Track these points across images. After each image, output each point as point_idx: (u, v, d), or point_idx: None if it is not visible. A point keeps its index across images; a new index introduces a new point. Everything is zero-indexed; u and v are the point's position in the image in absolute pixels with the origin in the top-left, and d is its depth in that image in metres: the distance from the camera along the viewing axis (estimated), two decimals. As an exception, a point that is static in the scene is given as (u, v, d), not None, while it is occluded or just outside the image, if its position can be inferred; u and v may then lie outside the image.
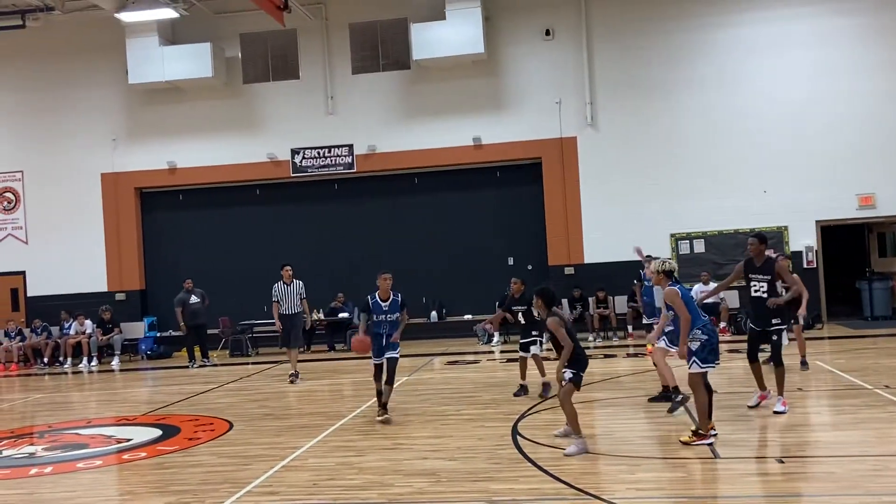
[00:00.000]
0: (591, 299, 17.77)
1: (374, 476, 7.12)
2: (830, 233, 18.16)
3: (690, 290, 9.48)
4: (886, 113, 17.46)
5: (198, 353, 16.71)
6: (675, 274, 8.07)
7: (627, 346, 16.10)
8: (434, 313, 19.20)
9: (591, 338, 17.18)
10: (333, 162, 19.44)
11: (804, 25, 17.92)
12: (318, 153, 19.46)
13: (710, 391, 7.74)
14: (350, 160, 19.36)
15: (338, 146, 19.39)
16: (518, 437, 8.23)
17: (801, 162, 17.63)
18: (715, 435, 7.53)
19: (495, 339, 17.30)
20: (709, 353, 7.66)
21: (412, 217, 19.54)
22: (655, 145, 18.22)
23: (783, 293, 8.98)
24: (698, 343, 7.63)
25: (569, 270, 18.50)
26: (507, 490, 6.43)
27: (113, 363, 17.84)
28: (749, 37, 18.05)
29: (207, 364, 16.49)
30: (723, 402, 9.72)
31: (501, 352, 16.25)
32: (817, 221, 17.78)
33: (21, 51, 19.82)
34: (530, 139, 18.65)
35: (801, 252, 17.84)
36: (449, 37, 18.04)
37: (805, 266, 17.73)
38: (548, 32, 18.74)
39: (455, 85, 18.96)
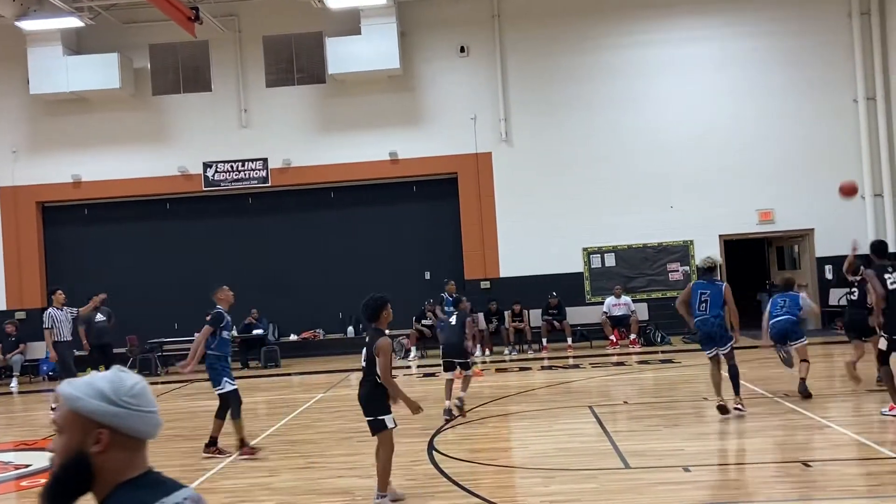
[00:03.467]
0: (506, 313, 17.96)
1: (287, 497, 7.02)
2: (733, 247, 18.89)
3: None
4: (784, 132, 18.30)
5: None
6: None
7: (542, 358, 16.33)
8: (350, 328, 19.05)
9: (506, 351, 17.36)
10: (247, 176, 19.13)
11: (707, 48, 18.64)
12: (232, 167, 19.13)
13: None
14: (264, 174, 19.09)
15: (252, 160, 19.10)
16: (434, 452, 8.24)
17: (705, 179, 18.29)
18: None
19: (412, 353, 17.29)
20: None
21: (329, 231, 19.39)
22: (568, 161, 18.61)
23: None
24: None
25: (485, 284, 18.67)
26: (423, 506, 6.43)
27: (11, 385, 17.04)
28: (656, 57, 18.67)
29: None
30: (633, 413, 9.98)
31: (418, 366, 16.25)
32: (720, 235, 18.46)
33: (-88, 57, 18.86)
34: (446, 154, 18.78)
35: (706, 265, 18.46)
36: (364, 52, 18.03)
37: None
38: (462, 49, 18.95)
39: (371, 99, 18.96)
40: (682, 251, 18.63)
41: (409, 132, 18.95)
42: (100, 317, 16.19)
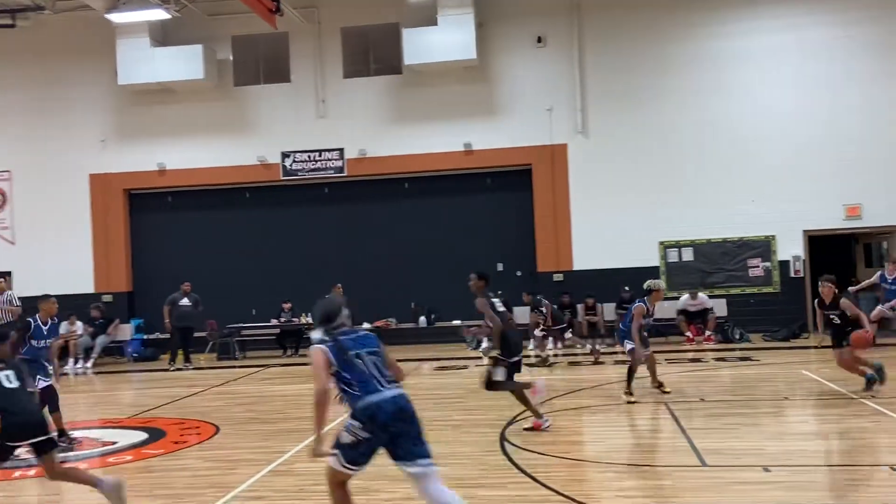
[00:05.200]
0: (579, 306, 17.79)
1: (360, 481, 7.06)
2: (817, 243, 18.26)
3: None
4: (874, 125, 17.58)
5: (180, 357, 16.67)
6: None
7: (615, 353, 16.10)
8: (423, 318, 19.18)
9: (579, 345, 17.20)
10: (324, 165, 19.41)
11: (790, 38, 18.03)
12: (309, 157, 19.43)
13: None
14: (341, 164, 19.33)
15: (328, 150, 19.37)
16: (506, 443, 8.22)
17: (790, 172, 17.72)
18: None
19: (483, 344, 17.28)
20: None
21: (402, 222, 19.53)
22: (645, 153, 18.29)
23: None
24: None
25: (558, 277, 18.52)
26: (495, 497, 6.43)
27: (77, 365, 17.73)
28: (739, 47, 18.16)
29: (188, 368, 16.44)
30: (710, 410, 9.76)
31: (489, 357, 16.22)
32: (805, 231, 17.88)
33: (11, 50, 19.69)
34: (521, 145, 18.67)
35: (788, 261, 17.94)
36: (441, 42, 18.06)
37: (792, 275, 17.84)
38: (539, 40, 18.79)
39: (446, 90, 18.98)
40: (763, 246, 18.10)
41: (484, 123, 18.91)
42: (185, 301, 16.82)
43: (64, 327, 18.40)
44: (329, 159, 19.38)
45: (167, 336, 17.44)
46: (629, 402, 9.93)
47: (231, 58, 19.45)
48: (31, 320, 9.21)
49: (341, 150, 19.29)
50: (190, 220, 20.11)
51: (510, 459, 7.53)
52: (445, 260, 18.84)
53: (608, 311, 17.67)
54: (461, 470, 7.29)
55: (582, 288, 17.85)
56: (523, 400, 8.74)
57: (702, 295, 17.41)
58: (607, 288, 17.56)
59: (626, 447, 8.13)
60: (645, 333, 10.38)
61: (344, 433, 5.09)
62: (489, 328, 17.37)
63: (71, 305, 18.69)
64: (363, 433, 5.03)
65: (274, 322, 18.36)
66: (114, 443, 9.30)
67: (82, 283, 19.57)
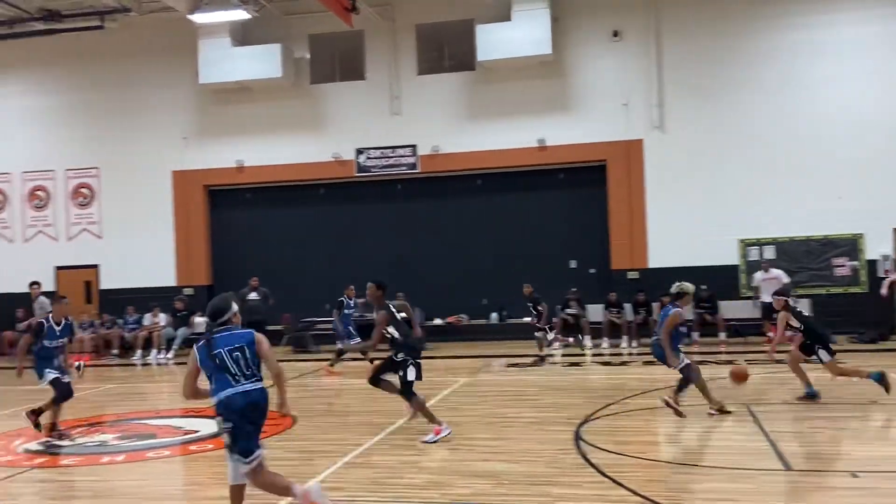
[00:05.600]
0: (654, 305, 17.45)
1: (435, 476, 7.12)
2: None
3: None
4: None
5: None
6: None
7: (692, 353, 15.75)
8: (494, 315, 19.15)
9: (559, 343, 16.95)
10: (397, 162, 19.54)
11: (874, 28, 17.32)
12: (382, 153, 19.59)
13: None
14: (414, 160, 19.43)
15: (402, 146, 19.49)
16: (581, 442, 8.13)
17: (878, 167, 17.03)
18: None
19: (551, 339, 17.11)
20: None
21: (475, 218, 19.52)
22: (724, 149, 17.83)
23: None
24: None
25: (632, 275, 18.23)
26: (570, 495, 6.36)
27: (169, 355, 18.25)
28: (822, 40, 17.54)
29: None
30: (794, 413, 9.46)
31: (563, 355, 16.10)
32: (895, 229, 17.15)
33: (98, 51, 20.40)
34: (595, 141, 18.44)
35: (876, 260, 17.24)
36: (515, 38, 17.95)
37: (881, 275, 17.12)
38: (616, 34, 18.50)
39: (520, 86, 18.87)
40: (850, 245, 17.45)
41: (558, 119, 18.74)
42: (254, 296, 17.20)
43: (147, 319, 19.07)
44: (402, 156, 19.50)
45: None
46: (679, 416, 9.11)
47: (308, 56, 19.75)
48: (43, 321, 9.57)
49: (414, 146, 19.39)
50: (266, 216, 20.51)
51: (585, 458, 7.44)
52: (517, 257, 18.76)
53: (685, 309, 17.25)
54: (535, 467, 7.24)
55: (657, 286, 17.49)
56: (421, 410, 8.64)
57: (774, 270, 16.81)
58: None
59: (704, 449, 7.93)
60: (681, 346, 9.52)
61: (223, 437, 5.52)
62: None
63: (154, 298, 19.37)
64: (227, 424, 5.51)
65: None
66: (196, 431, 9.55)
67: (165, 276, 20.19)
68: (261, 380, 5.69)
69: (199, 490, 7.27)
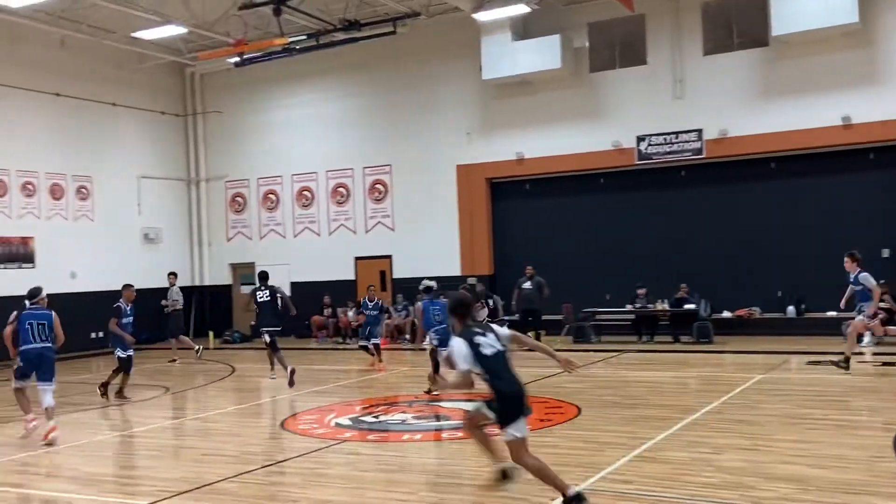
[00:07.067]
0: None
1: (732, 476, 6.72)
2: None
3: None
4: None
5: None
6: None
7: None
8: (791, 308, 17.74)
9: None
10: (680, 148, 18.76)
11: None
12: (665, 139, 18.91)
13: None
14: (699, 145, 18.54)
15: (686, 132, 18.67)
16: (903, 451, 7.22)
17: None
18: None
19: (866, 339, 15.44)
20: None
21: (768, 204, 18.20)
22: None
23: None
24: None
25: (958, 266, 15.96)
26: (893, 509, 5.67)
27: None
28: None
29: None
30: None
31: (874, 354, 14.49)
32: None
33: (389, 56, 21.81)
34: (912, 116, 16.35)
35: None
36: (814, 8, 16.41)
37: None
38: (937, -8, 16.27)
39: (819, 60, 17.24)
40: None
41: (866, 93, 16.88)
42: (528, 285, 17.51)
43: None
44: (686, 141, 18.69)
45: (516, 317, 18.26)
46: None
47: (587, 45, 19.61)
48: (120, 304, 12.35)
49: (699, 131, 18.50)
50: (546, 206, 20.71)
51: (908, 468, 6.61)
52: (816, 245, 17.24)
53: None
54: (847, 474, 6.62)
55: None
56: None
57: None
58: None
59: None
60: None
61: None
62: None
63: (440, 287, 20.36)
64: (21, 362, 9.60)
65: (629, 307, 18.22)
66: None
67: (450, 266, 21.15)
68: None
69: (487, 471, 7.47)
